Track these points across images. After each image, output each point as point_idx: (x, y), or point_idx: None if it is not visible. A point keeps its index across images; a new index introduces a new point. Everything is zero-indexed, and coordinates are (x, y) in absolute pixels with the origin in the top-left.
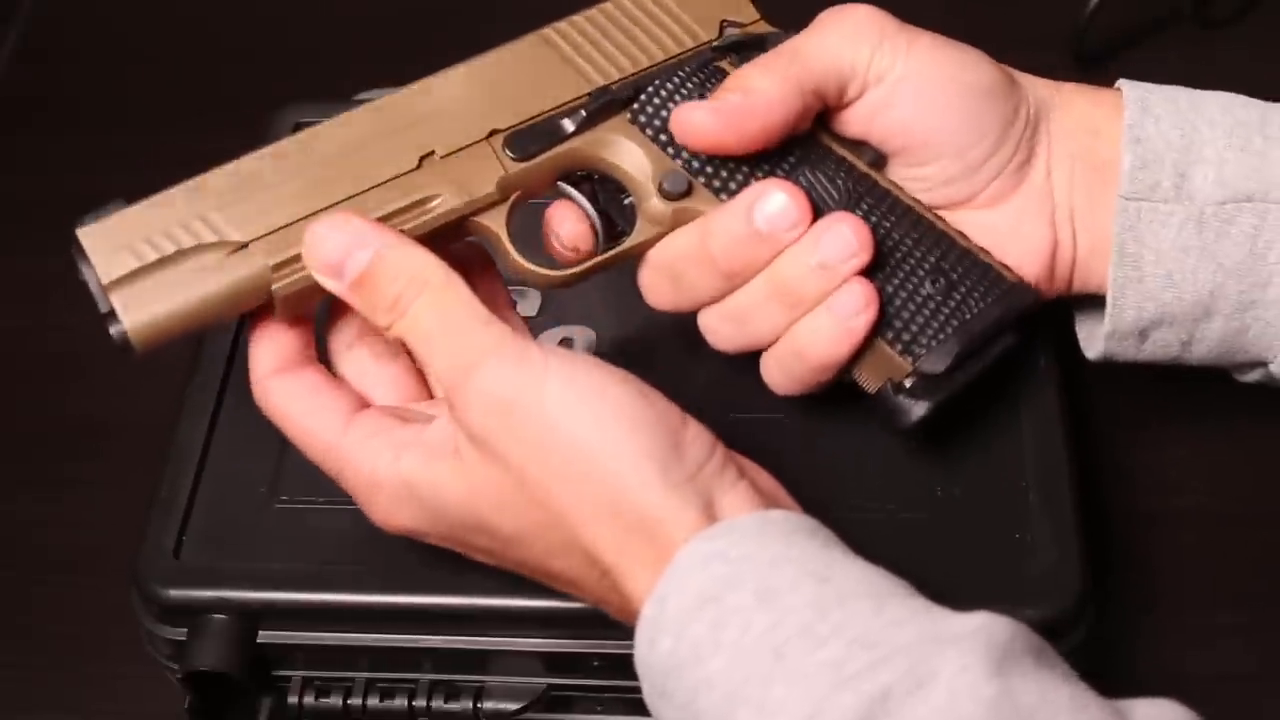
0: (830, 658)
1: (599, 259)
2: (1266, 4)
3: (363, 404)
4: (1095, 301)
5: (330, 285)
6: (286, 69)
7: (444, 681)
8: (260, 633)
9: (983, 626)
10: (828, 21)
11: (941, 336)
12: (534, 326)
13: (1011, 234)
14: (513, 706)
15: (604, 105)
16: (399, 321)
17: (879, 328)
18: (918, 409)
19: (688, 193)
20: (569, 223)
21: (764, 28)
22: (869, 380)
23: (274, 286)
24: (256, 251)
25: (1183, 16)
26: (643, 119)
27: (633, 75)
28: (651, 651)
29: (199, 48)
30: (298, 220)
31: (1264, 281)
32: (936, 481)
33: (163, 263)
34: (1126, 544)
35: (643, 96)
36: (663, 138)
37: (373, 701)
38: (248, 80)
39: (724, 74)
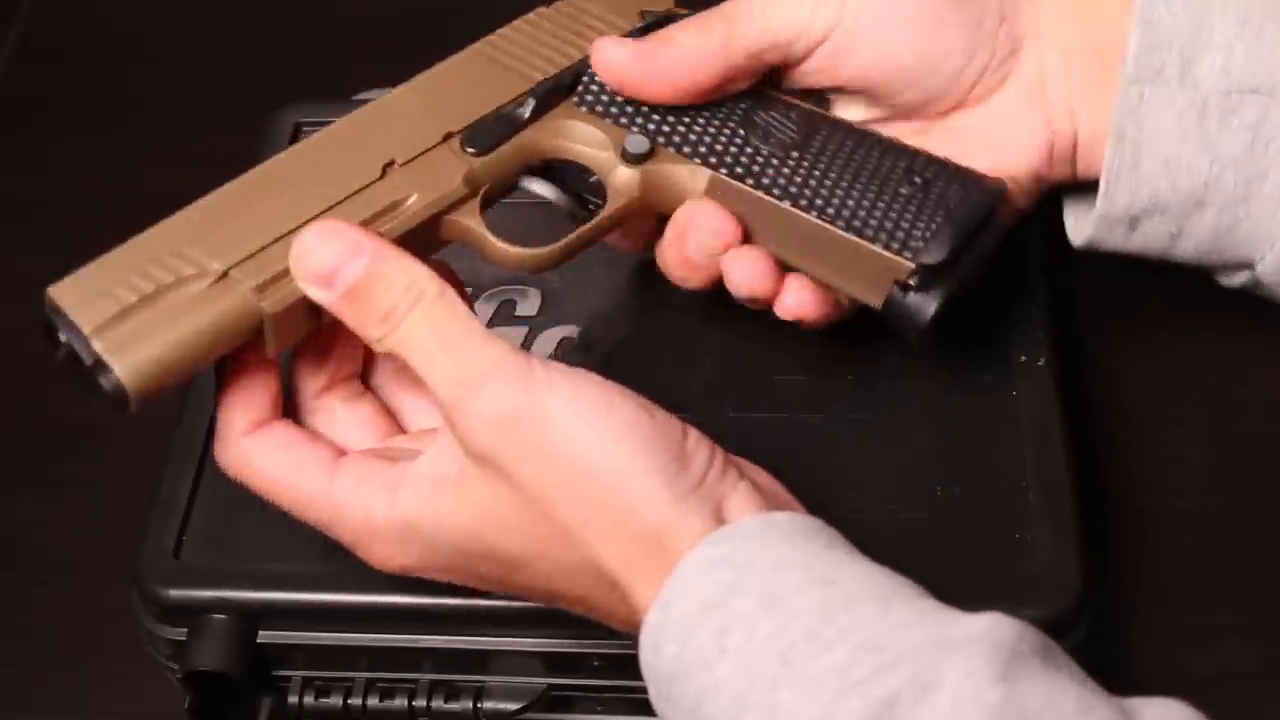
0: (837, 663)
1: (577, 233)
2: None
3: (340, 452)
4: (1085, 189)
5: (319, 296)
6: (287, 69)
7: (444, 681)
8: (260, 633)
9: (989, 629)
10: None
11: (934, 227)
12: (534, 327)
13: (1005, 128)
14: (513, 706)
15: (549, 92)
16: (392, 334)
17: (872, 236)
18: (929, 304)
19: (651, 153)
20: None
21: (681, 11)
22: (875, 294)
23: (263, 305)
24: (238, 276)
25: None
26: (589, 99)
27: (569, 66)
28: (657, 657)
29: (199, 48)
30: (276, 240)
31: (1260, 176)
32: (936, 481)
33: (145, 301)
34: (1126, 544)
35: (584, 79)
36: (614, 111)
37: (373, 701)
38: (248, 80)
39: None
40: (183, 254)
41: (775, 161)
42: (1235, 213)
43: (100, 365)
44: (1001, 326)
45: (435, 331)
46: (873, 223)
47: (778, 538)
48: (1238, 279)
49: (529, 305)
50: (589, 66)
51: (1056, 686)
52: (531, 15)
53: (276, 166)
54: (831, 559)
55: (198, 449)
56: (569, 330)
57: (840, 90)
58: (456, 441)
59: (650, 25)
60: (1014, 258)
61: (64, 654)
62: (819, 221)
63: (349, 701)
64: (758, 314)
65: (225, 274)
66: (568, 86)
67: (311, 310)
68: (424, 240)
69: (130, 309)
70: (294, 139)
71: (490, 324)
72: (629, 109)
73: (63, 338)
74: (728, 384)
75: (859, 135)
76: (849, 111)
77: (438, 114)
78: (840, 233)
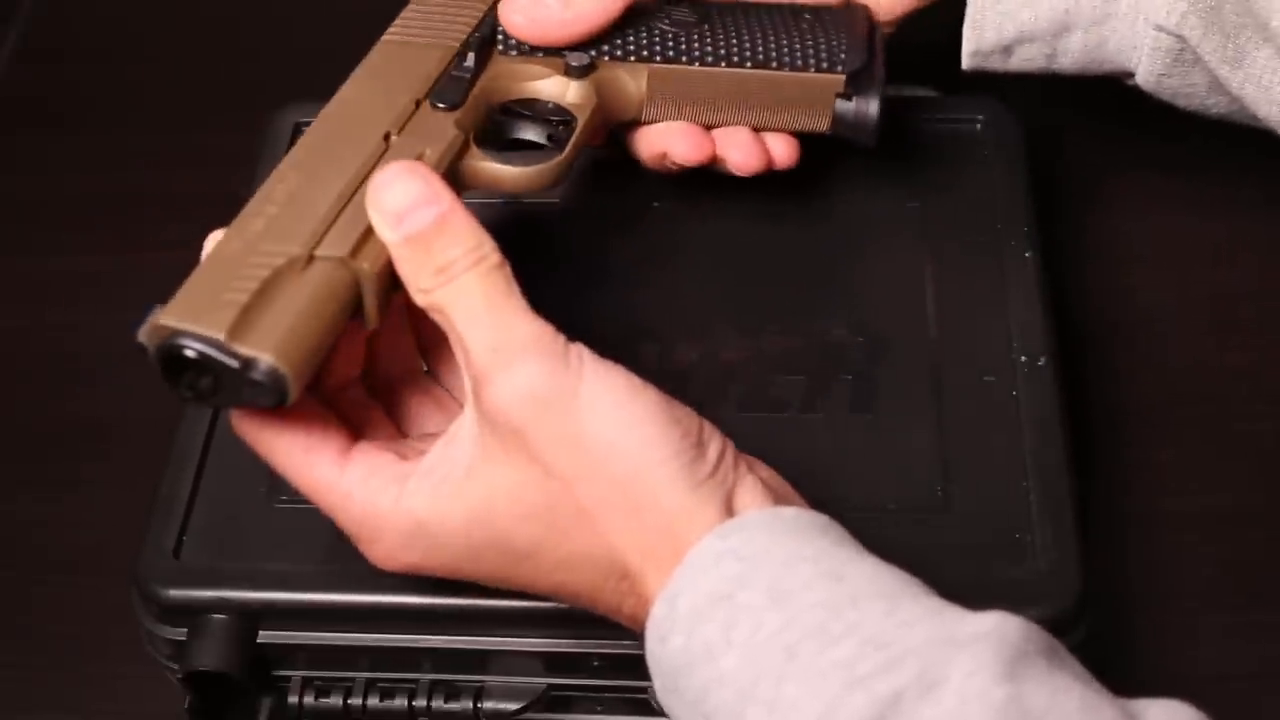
0: (843, 657)
1: (571, 145)
2: None
3: (353, 438)
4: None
5: (385, 233)
6: (287, 69)
7: (444, 681)
8: (260, 633)
9: (995, 628)
10: None
11: (843, 41)
12: None
13: None
14: (513, 706)
15: (480, 45)
16: (443, 288)
17: (803, 65)
18: (871, 103)
19: (592, 66)
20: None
21: None
22: (822, 116)
23: (362, 265)
24: (325, 252)
25: None
26: (511, 47)
27: (482, 18)
28: (663, 649)
29: (199, 47)
30: (341, 209)
31: None
32: (936, 481)
33: (258, 296)
34: (1127, 544)
35: (500, 32)
36: (539, 51)
37: (373, 701)
38: (248, 80)
39: None
40: (264, 250)
41: (695, 38)
42: (1099, 31)
43: (249, 363)
44: (1001, 326)
45: (486, 296)
46: (798, 57)
47: (786, 532)
48: (1131, 83)
49: None
50: (497, 17)
51: (1061, 686)
52: None
53: (291, 164)
54: (839, 555)
55: (198, 449)
56: (569, 330)
57: None
58: (477, 419)
59: None
60: (1014, 258)
61: (64, 654)
62: (756, 71)
63: (349, 701)
64: (758, 314)
65: (310, 257)
66: (489, 37)
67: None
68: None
69: (249, 306)
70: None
71: None
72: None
73: (191, 355)
74: (728, 384)
75: (741, 3)
76: None
77: (396, 88)
78: (777, 73)
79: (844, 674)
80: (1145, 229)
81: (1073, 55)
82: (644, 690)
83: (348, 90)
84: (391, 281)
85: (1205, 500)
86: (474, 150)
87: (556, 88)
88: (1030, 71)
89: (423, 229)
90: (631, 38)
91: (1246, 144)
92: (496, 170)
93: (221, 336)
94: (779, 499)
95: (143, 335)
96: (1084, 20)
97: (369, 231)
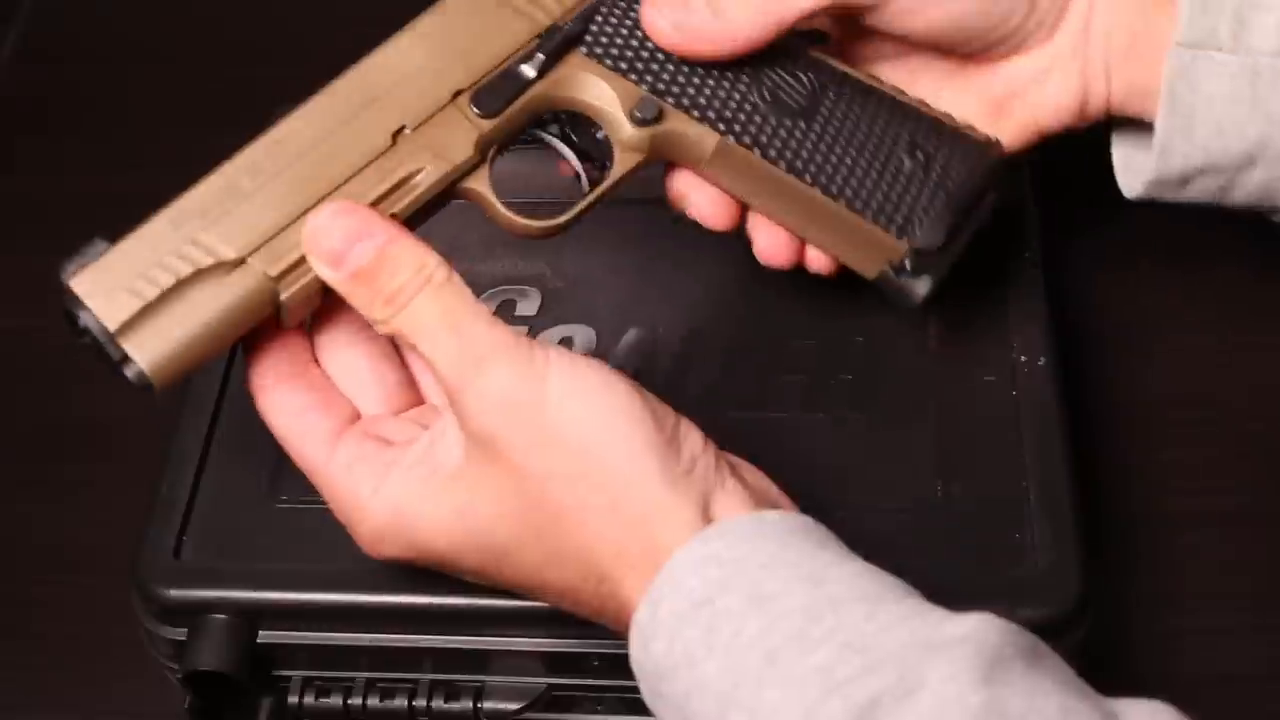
0: (821, 663)
1: (586, 202)
2: None
3: (351, 415)
4: (1136, 129)
5: (327, 275)
6: (287, 69)
7: (444, 681)
8: (260, 633)
9: (974, 631)
10: None
11: (932, 211)
12: (534, 327)
13: (1045, 80)
14: (513, 706)
15: (559, 44)
16: (397, 315)
17: (873, 215)
18: (921, 287)
19: (659, 117)
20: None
21: None
22: (869, 268)
23: (282, 297)
24: (255, 264)
25: None
26: (599, 50)
27: (577, 6)
28: (645, 654)
29: (199, 47)
30: (290, 224)
31: None
32: (936, 481)
33: (165, 296)
34: (1126, 544)
35: (593, 28)
36: (623, 65)
37: (373, 701)
38: (248, 80)
39: None
40: (198, 241)
41: (783, 131)
42: None
43: (126, 360)
44: (1001, 326)
45: (442, 314)
46: (874, 201)
47: (767, 536)
48: None
49: (529, 305)
50: (600, 11)
51: (1040, 690)
52: None
53: (284, 135)
54: (821, 558)
55: (198, 449)
56: (569, 330)
57: (903, 40)
58: (457, 426)
59: None
60: (1014, 257)
61: (64, 654)
62: (821, 195)
63: (349, 701)
64: (758, 315)
65: (242, 261)
66: (578, 34)
67: (327, 288)
68: (435, 203)
69: (151, 306)
70: None
71: None
72: (639, 63)
73: (83, 325)
74: (728, 384)
75: (865, 99)
76: (885, 52)
77: (445, 67)
78: (841, 208)
79: (823, 679)
80: (1145, 228)
81: (1247, 190)
82: None
83: (396, 46)
84: (318, 296)
85: (1206, 500)
86: (483, 177)
87: (614, 121)
88: (1196, 204)
89: (364, 265)
90: (721, 96)
91: None
92: (497, 208)
93: (112, 328)
94: (762, 501)
95: (65, 275)
96: (1273, 154)
97: (301, 260)
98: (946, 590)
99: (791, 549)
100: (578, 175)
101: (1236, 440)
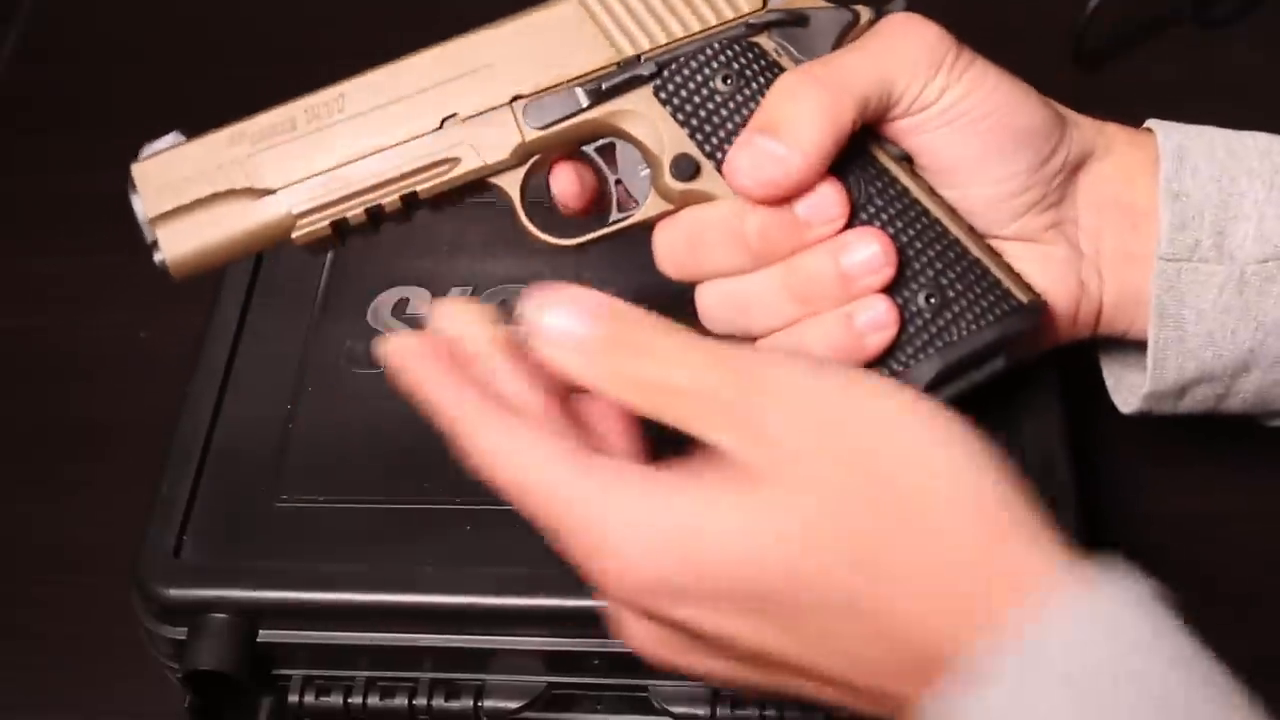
0: None
1: (605, 230)
2: (1267, 4)
3: (595, 448)
4: (1123, 348)
5: (573, 363)
6: (285, 69)
7: (444, 680)
8: (260, 632)
9: None
10: (893, 41)
11: (922, 356)
12: None
13: (1046, 280)
14: (513, 705)
15: (628, 79)
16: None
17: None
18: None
19: (695, 175)
20: (562, 181)
21: (809, 1)
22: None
23: (294, 235)
24: (283, 197)
25: (1183, 17)
26: (665, 94)
27: (664, 46)
28: None
29: (198, 48)
30: (322, 172)
31: None
32: None
33: (199, 204)
34: (1126, 544)
35: (667, 71)
36: (680, 116)
37: (373, 700)
38: (246, 80)
39: (759, 50)
40: (243, 163)
41: None
42: (1278, 372)
43: (155, 244)
44: None
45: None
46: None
47: (1131, 628)
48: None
49: None
50: (678, 57)
51: None
52: None
53: (352, 90)
54: (1173, 678)
55: (198, 449)
56: None
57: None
58: (747, 453)
59: (768, 23)
60: None
61: (64, 654)
62: None
63: (349, 700)
64: None
65: (273, 191)
66: (651, 74)
67: (334, 237)
68: (466, 190)
69: (186, 207)
70: None
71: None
72: (698, 119)
73: (133, 203)
74: None
75: (912, 218)
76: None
77: (517, 70)
78: None
79: None
80: None
81: (1244, 396)
82: (644, 689)
83: (484, 35)
84: (327, 244)
85: (1206, 500)
86: (515, 179)
87: (656, 165)
88: (1195, 413)
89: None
90: None
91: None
92: (520, 213)
93: (150, 217)
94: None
95: (138, 158)
96: (1266, 360)
97: (323, 205)
98: None
99: (1140, 655)
100: (604, 194)
101: (1236, 440)
